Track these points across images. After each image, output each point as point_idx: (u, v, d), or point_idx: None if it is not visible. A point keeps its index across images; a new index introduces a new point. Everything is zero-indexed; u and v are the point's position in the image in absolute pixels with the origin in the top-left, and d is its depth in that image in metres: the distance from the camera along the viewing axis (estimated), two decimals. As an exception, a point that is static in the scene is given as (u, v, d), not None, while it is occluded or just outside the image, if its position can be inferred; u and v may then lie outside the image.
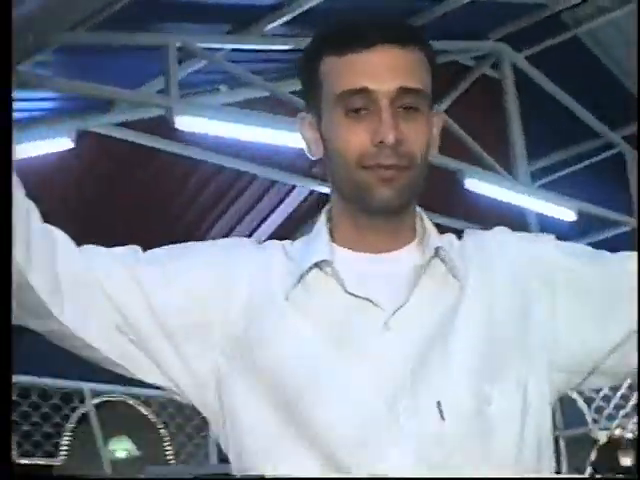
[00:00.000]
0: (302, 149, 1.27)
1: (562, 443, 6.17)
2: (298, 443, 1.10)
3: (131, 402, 6.38)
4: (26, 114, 5.65)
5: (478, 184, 6.52)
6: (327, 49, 1.16)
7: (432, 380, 1.09)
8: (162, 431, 6.40)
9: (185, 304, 1.18)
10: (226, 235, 7.61)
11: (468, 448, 1.08)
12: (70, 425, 6.07)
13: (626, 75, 7.08)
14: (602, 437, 5.86)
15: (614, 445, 6.59)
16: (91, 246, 1.21)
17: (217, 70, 6.00)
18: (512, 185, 6.71)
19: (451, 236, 1.25)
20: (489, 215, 6.55)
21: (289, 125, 5.17)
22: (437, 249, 1.15)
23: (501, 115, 6.93)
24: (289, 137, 5.37)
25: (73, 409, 6.10)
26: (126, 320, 1.17)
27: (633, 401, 5.66)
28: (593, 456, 6.13)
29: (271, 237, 6.58)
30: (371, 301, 1.12)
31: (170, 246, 1.26)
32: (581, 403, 5.73)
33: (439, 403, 1.08)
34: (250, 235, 7.16)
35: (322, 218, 1.24)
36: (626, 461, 7.06)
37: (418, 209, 1.25)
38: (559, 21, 6.74)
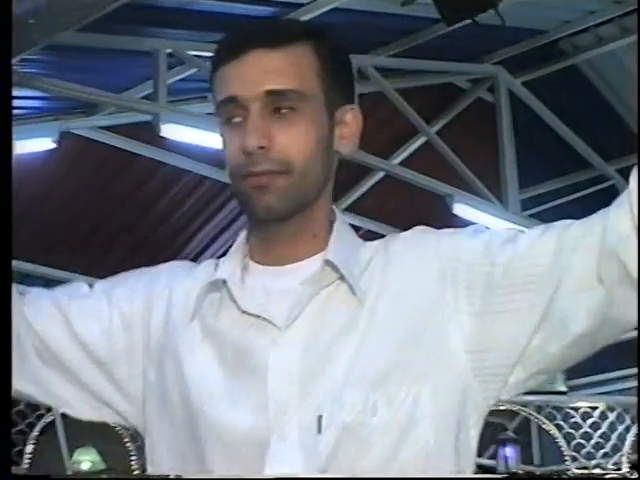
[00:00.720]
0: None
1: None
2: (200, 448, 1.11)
3: (99, 413, 6.34)
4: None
5: (466, 210, 6.46)
6: (214, 63, 1.16)
7: (316, 395, 1.08)
8: (129, 444, 6.32)
9: (111, 332, 1.19)
10: (205, 246, 7.69)
11: (343, 461, 1.06)
12: (35, 433, 5.97)
13: (625, 107, 7.01)
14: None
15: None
16: (33, 292, 1.26)
17: (205, 79, 5.93)
18: (501, 213, 6.65)
19: (373, 244, 1.20)
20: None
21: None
22: (326, 261, 1.11)
23: (495, 140, 6.88)
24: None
25: (39, 417, 5.99)
26: (55, 355, 1.20)
27: (613, 440, 5.57)
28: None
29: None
30: (265, 319, 1.11)
31: (111, 278, 1.28)
32: (560, 439, 5.63)
33: (320, 417, 1.07)
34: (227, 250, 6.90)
35: (243, 234, 1.22)
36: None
37: (338, 216, 1.21)
38: (558, 48, 6.70)
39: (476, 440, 1.14)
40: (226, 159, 1.15)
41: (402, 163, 7.03)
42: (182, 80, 5.80)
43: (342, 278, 1.11)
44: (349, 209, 7.12)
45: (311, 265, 1.14)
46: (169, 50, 5.31)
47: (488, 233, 1.18)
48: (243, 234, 1.22)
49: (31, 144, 5.47)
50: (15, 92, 5.21)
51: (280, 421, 1.08)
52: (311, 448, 1.07)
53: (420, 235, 1.20)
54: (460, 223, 6.09)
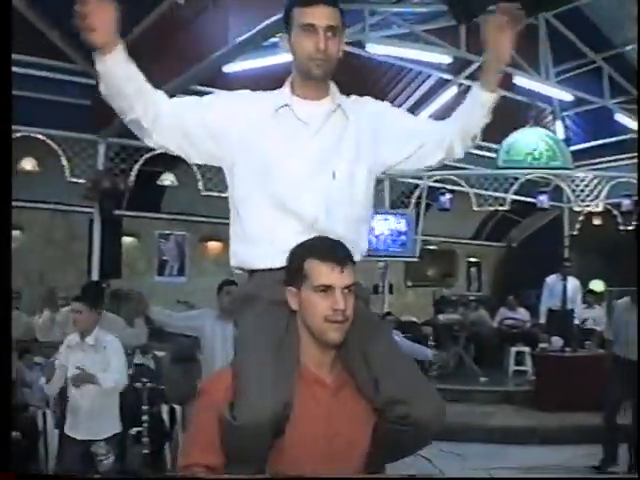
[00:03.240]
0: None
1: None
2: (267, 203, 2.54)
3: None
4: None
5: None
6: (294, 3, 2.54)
7: (329, 165, 2.52)
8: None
9: (221, 117, 2.58)
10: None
11: (338, 193, 2.54)
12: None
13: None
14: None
15: None
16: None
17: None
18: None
19: (351, 97, 2.66)
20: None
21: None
22: (337, 105, 2.58)
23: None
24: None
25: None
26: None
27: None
28: None
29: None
30: (308, 124, 2.53)
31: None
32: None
33: (333, 173, 2.52)
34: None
35: (288, 80, 2.61)
36: None
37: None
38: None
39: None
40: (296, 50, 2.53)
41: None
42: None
43: (342, 109, 2.58)
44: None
45: (328, 100, 2.58)
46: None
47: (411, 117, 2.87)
48: (288, 81, 2.60)
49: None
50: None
51: (314, 176, 2.50)
52: (329, 185, 2.51)
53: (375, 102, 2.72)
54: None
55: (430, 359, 8.28)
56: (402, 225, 12.37)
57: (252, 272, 2.57)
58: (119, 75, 2.41)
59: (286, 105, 2.53)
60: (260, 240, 2.51)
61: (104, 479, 5.45)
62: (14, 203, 9.85)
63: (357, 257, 2.48)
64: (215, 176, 10.00)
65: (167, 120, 2.52)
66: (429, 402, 2.37)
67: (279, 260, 2.45)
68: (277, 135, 2.52)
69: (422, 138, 2.66)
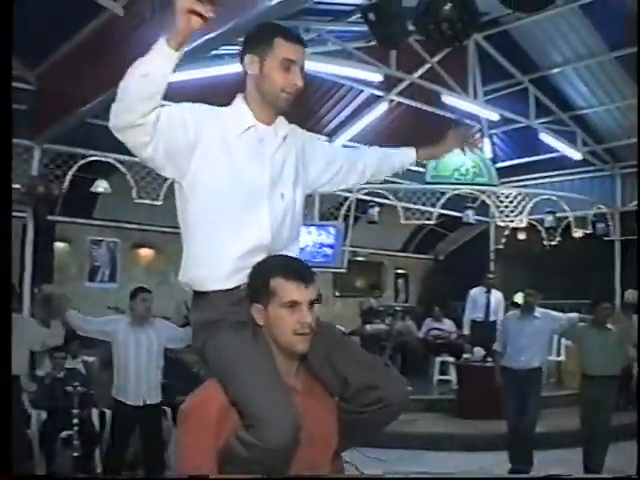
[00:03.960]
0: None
1: None
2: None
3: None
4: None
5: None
6: (268, 37, 2.82)
7: (278, 188, 2.74)
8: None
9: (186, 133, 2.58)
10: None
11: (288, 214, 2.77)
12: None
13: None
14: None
15: None
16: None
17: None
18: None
19: (290, 125, 2.90)
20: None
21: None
22: (290, 128, 2.87)
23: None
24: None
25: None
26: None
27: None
28: None
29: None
30: (267, 146, 2.75)
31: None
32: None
33: (282, 195, 2.72)
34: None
35: (242, 99, 2.78)
36: None
37: None
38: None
39: None
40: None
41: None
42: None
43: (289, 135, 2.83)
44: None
45: (278, 127, 2.79)
46: None
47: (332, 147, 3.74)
48: (242, 101, 2.76)
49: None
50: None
51: (267, 198, 2.69)
52: (279, 207, 2.71)
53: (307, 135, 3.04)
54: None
55: None
56: (330, 237, 12.58)
57: (202, 293, 2.63)
58: (166, 74, 2.36)
59: (252, 127, 2.69)
60: (213, 261, 2.58)
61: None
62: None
63: None
64: (148, 185, 10.12)
65: (160, 131, 2.46)
66: (397, 384, 2.68)
67: (231, 281, 2.59)
68: (240, 156, 2.64)
69: (338, 166, 3.06)
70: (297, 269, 2.56)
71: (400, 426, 9.75)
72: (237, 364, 2.47)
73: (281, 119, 2.79)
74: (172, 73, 2.37)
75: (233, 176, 2.61)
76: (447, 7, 5.22)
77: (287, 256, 2.64)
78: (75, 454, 6.51)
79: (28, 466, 6.04)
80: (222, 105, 2.78)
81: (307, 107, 12.44)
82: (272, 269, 2.54)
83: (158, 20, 6.34)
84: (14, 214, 10.51)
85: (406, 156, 3.25)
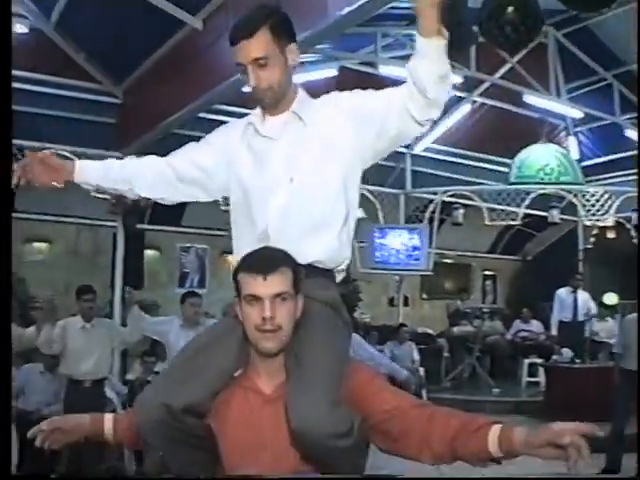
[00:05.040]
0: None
1: None
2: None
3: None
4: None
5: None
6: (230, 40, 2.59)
7: (288, 173, 2.49)
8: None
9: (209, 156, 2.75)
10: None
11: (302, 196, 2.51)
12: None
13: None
14: None
15: None
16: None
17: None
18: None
19: (322, 97, 2.61)
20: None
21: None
22: (293, 112, 2.55)
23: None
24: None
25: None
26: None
27: None
28: None
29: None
30: (269, 138, 2.56)
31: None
32: None
33: (291, 179, 2.48)
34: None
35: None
36: None
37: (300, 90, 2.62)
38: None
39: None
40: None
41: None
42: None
43: (296, 116, 2.53)
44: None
45: (286, 114, 2.56)
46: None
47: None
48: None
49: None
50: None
51: (275, 188, 2.50)
52: (286, 193, 2.49)
53: (346, 94, 2.56)
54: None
55: (402, 379, 8.47)
56: (416, 240, 12.65)
57: None
58: (97, 184, 2.72)
59: (250, 124, 2.61)
60: (238, 257, 2.52)
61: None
62: (43, 217, 10.25)
63: (322, 262, 2.50)
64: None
65: (170, 183, 2.73)
66: (305, 408, 2.17)
67: None
68: (246, 156, 2.60)
69: (396, 105, 2.41)
70: (257, 261, 2.31)
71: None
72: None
73: (294, 103, 2.56)
74: (97, 181, 2.70)
75: (243, 179, 2.59)
76: (510, 11, 5.22)
77: (259, 248, 2.38)
78: (161, 453, 6.71)
79: (118, 466, 6.27)
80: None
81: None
82: (240, 262, 2.37)
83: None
84: (105, 224, 11.09)
85: (419, 48, 2.33)
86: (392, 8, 8.59)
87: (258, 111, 2.60)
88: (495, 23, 5.29)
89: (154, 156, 2.76)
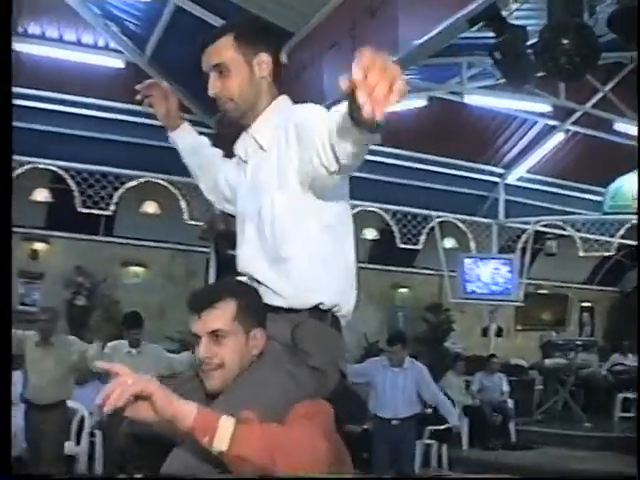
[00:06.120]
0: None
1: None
2: None
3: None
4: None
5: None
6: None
7: (257, 202, 2.36)
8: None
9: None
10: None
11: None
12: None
13: None
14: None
15: None
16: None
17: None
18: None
19: (286, 110, 2.38)
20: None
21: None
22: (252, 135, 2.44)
23: None
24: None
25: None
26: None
27: None
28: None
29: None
30: (244, 161, 2.50)
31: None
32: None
33: (259, 209, 2.34)
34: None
35: None
36: None
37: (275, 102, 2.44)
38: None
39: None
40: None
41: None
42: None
43: (253, 139, 2.42)
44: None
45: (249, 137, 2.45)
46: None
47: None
48: None
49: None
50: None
51: (248, 210, 2.41)
52: (255, 223, 2.37)
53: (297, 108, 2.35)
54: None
55: (450, 425, 8.51)
56: (507, 270, 12.55)
57: None
58: (184, 149, 2.85)
59: (236, 148, 2.55)
60: None
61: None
62: (140, 242, 10.64)
63: (285, 299, 2.30)
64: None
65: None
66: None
67: None
68: (234, 178, 2.62)
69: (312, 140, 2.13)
70: (193, 298, 2.24)
71: (577, 463, 9.57)
72: None
73: (257, 124, 2.43)
74: (186, 145, 2.86)
75: (234, 201, 2.61)
76: (565, 42, 5.20)
77: (208, 285, 2.43)
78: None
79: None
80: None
81: (483, 140, 12.54)
82: None
83: (317, 66, 6.73)
84: (198, 249, 11.43)
85: None
86: (477, 38, 8.66)
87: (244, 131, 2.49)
88: (550, 54, 5.29)
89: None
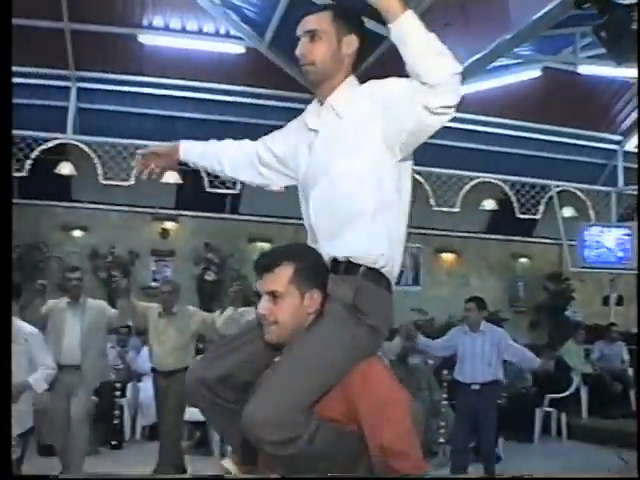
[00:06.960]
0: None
1: None
2: None
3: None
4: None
5: None
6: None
7: (327, 165, 2.51)
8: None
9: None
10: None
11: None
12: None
13: None
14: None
15: None
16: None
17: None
18: None
19: (364, 85, 2.54)
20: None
21: None
22: (330, 104, 2.57)
23: None
24: None
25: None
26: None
27: None
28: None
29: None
30: (314, 130, 2.61)
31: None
32: None
33: (327, 172, 2.51)
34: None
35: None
36: None
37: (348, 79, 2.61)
38: None
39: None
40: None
41: None
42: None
43: (331, 107, 2.55)
44: None
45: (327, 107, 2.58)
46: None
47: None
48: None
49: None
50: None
51: (318, 174, 2.54)
52: (325, 185, 2.51)
53: (385, 81, 2.45)
54: None
55: (534, 368, 8.30)
56: (626, 238, 12.40)
57: None
58: (196, 162, 3.07)
59: (304, 115, 2.72)
60: None
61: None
62: (265, 219, 11.22)
63: (352, 257, 2.45)
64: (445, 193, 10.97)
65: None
66: (254, 406, 2.26)
67: None
68: (302, 149, 2.68)
69: (405, 98, 2.32)
70: (257, 261, 2.50)
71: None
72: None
73: (335, 95, 2.59)
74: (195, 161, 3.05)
75: (299, 165, 2.71)
76: None
77: (270, 249, 2.65)
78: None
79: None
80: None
81: (599, 108, 12.44)
82: None
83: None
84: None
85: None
86: (589, 8, 8.69)
87: (314, 102, 2.67)
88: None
89: (247, 140, 2.96)
